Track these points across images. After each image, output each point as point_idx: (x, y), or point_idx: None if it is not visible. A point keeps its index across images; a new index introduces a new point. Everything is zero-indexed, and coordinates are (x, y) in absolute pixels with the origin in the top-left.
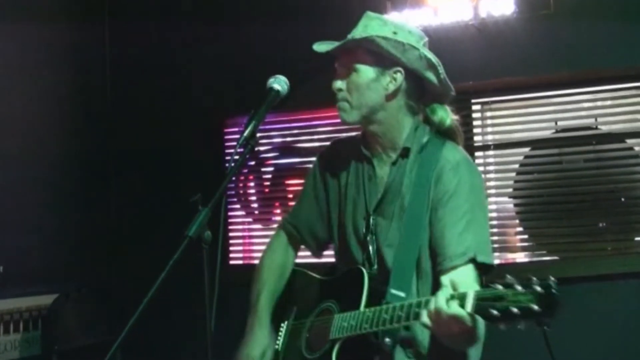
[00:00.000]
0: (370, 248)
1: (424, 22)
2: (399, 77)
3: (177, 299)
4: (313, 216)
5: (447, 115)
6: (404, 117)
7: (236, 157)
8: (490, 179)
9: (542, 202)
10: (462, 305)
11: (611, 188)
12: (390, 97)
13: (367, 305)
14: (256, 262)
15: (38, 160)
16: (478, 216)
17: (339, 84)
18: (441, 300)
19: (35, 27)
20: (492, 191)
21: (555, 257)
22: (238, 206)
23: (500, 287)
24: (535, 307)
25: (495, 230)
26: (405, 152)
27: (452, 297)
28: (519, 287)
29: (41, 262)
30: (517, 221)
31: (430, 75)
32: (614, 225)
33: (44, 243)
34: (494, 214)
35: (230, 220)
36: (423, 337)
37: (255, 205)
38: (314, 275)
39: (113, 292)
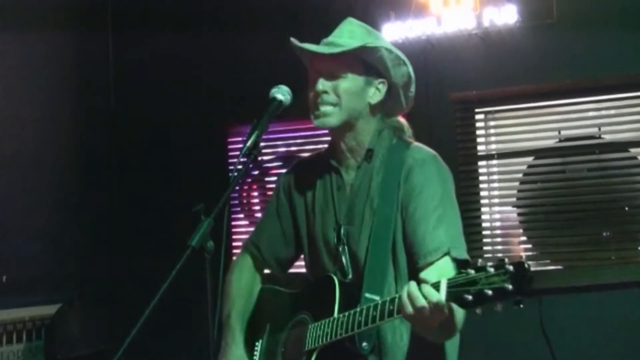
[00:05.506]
0: (343, 258)
1: (427, 32)
2: (383, 89)
3: (180, 308)
4: (275, 236)
5: (406, 123)
6: (375, 124)
7: (239, 166)
8: (493, 189)
9: (546, 211)
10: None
11: (615, 197)
12: (373, 107)
13: (341, 312)
14: None
15: (40, 168)
16: (448, 210)
17: (326, 85)
18: (413, 287)
19: (41, 35)
20: (496, 200)
21: (559, 266)
22: (241, 216)
23: (472, 271)
24: (509, 287)
25: (499, 239)
26: (369, 154)
27: (425, 286)
28: (491, 269)
29: (43, 270)
30: (521, 230)
31: (404, 93)
32: (618, 234)
33: (46, 251)
34: (497, 223)
35: (233, 230)
36: (396, 341)
37: (258, 214)
38: (284, 290)
39: (116, 301)
